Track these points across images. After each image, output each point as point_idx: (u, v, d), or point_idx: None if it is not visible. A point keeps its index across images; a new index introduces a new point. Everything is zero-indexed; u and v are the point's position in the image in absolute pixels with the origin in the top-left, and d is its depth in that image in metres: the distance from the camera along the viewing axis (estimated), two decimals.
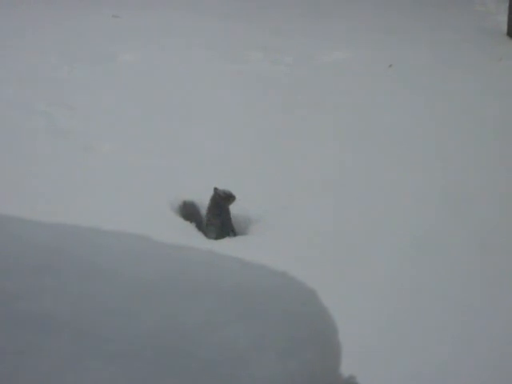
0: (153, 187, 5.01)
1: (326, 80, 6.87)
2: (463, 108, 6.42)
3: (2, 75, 6.59)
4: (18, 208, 2.94)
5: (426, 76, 7.06)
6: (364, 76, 7.00)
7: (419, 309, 4.05)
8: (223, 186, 4.77)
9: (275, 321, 1.58)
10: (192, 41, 7.63)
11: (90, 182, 5.04)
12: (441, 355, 3.69)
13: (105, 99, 6.27)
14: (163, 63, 7.08)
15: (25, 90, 6.33)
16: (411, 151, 5.71)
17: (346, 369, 1.75)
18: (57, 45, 7.36)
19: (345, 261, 4.40)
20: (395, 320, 3.94)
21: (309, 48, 7.61)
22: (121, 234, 1.79)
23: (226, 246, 4.32)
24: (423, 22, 8.56)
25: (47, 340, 1.49)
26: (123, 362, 1.47)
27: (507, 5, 8.49)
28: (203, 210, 4.84)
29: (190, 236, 4.55)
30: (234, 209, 4.79)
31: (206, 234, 4.73)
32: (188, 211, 4.86)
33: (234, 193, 4.73)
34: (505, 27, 8.40)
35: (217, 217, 4.72)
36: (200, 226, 4.78)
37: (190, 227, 4.73)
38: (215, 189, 4.74)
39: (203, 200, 4.84)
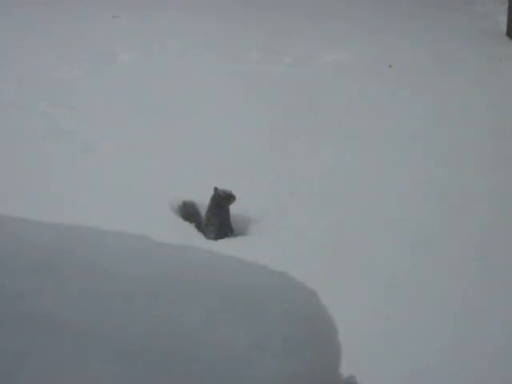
0: (153, 187, 5.00)
1: (326, 80, 6.87)
2: (463, 108, 6.42)
3: (2, 75, 6.59)
4: (19, 208, 2.94)
5: (426, 76, 7.06)
6: (364, 76, 6.99)
7: (419, 309, 4.04)
8: (223, 186, 4.77)
9: (275, 321, 1.58)
10: (192, 41, 7.62)
11: (90, 182, 5.03)
12: (441, 355, 3.69)
13: (105, 99, 6.27)
14: (163, 64, 7.07)
15: (25, 90, 6.33)
16: (411, 151, 5.71)
17: (345, 369, 1.75)
18: (57, 45, 7.36)
19: (345, 261, 4.40)
20: (395, 320, 3.94)
21: (309, 48, 7.61)
22: (121, 235, 1.79)
23: (225, 247, 4.32)
24: (423, 23, 8.55)
25: (47, 340, 1.49)
26: (123, 361, 1.47)
27: (507, 5, 8.48)
28: (203, 211, 4.84)
29: (189, 236, 4.55)
30: (233, 209, 4.78)
31: (206, 234, 4.72)
32: (188, 211, 4.86)
33: (234, 193, 4.73)
34: (504, 28, 8.40)
35: (216, 217, 4.72)
36: (200, 227, 4.78)
37: (189, 227, 4.72)
38: (215, 188, 4.73)
39: (203, 200, 4.84)
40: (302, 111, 6.26)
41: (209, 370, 1.47)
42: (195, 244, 1.66)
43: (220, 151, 5.54)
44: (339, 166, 5.46)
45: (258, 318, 1.57)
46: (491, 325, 3.94)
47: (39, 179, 5.04)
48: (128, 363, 1.47)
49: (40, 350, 1.47)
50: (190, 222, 4.78)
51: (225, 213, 4.73)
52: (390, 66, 7.22)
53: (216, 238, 4.66)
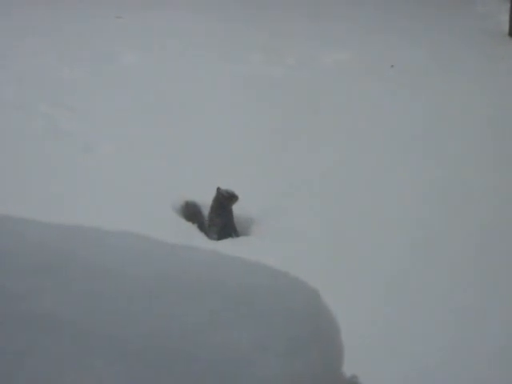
0: (153, 187, 5.00)
1: (326, 81, 6.87)
2: (463, 108, 6.42)
3: (3, 76, 6.59)
4: (19, 208, 2.94)
5: (426, 76, 7.06)
6: (364, 76, 6.99)
7: (419, 309, 4.05)
8: (223, 186, 4.77)
9: (278, 321, 1.58)
10: (193, 42, 7.62)
11: (91, 182, 5.03)
12: (441, 355, 3.69)
13: (105, 99, 6.27)
14: (164, 64, 7.07)
15: (25, 90, 6.33)
16: (411, 151, 5.71)
17: (348, 368, 1.75)
18: (57, 45, 7.36)
19: (346, 261, 4.40)
20: (395, 320, 3.94)
21: (309, 49, 7.61)
22: (123, 235, 1.79)
23: (228, 247, 4.32)
24: (423, 23, 8.55)
25: (47, 340, 1.49)
26: (125, 361, 1.47)
27: (509, 5, 8.47)
28: (205, 211, 4.84)
29: (192, 237, 4.55)
30: (235, 209, 4.79)
31: (208, 234, 4.72)
32: (190, 212, 4.85)
33: (236, 193, 4.73)
34: (506, 27, 8.39)
35: (219, 217, 4.71)
36: (202, 227, 4.78)
37: (192, 228, 4.72)
38: (218, 189, 4.73)
39: (205, 200, 4.84)
40: (302, 111, 6.27)
41: (211, 370, 1.47)
42: (197, 244, 1.67)
43: (220, 151, 5.54)
44: (339, 166, 5.46)
45: (261, 318, 1.57)
46: (491, 325, 3.94)
47: (39, 179, 5.04)
48: (129, 363, 1.46)
49: (40, 349, 1.47)
50: (193, 222, 4.77)
51: (228, 213, 4.73)
52: (392, 66, 7.22)
53: (218, 239, 4.65)
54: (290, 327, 1.58)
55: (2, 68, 6.77)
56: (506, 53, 7.73)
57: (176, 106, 6.21)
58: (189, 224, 4.75)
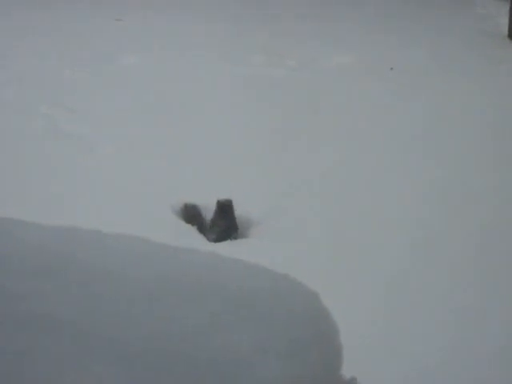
0: (154, 188, 5.00)
1: (327, 81, 6.87)
2: (463, 110, 6.42)
3: (3, 77, 6.59)
4: (19, 210, 2.95)
5: (426, 77, 7.06)
6: (364, 77, 6.99)
7: (419, 309, 4.05)
8: (225, 186, 4.78)
9: (278, 323, 1.59)
10: (193, 42, 7.62)
11: (91, 182, 5.03)
12: (441, 355, 3.70)
13: (106, 100, 6.27)
14: (164, 64, 7.07)
15: (26, 92, 6.33)
16: (411, 151, 5.71)
17: (348, 369, 1.75)
18: (57, 46, 7.36)
19: (346, 262, 4.40)
20: (395, 320, 3.94)
21: (310, 49, 7.61)
22: (123, 237, 1.79)
23: (228, 249, 4.31)
24: (424, 25, 8.55)
25: (48, 341, 1.49)
26: (125, 363, 1.47)
27: (508, 7, 8.47)
28: (205, 212, 4.83)
29: (192, 239, 4.54)
30: (235, 212, 4.79)
31: (208, 235, 4.71)
32: (189, 214, 4.85)
33: (236, 195, 4.73)
34: (505, 30, 8.39)
35: (223, 220, 4.71)
36: (202, 229, 4.77)
37: (191, 230, 4.72)
38: (218, 202, 4.72)
39: (204, 201, 4.84)
40: (302, 111, 6.27)
41: (211, 372, 1.47)
42: (197, 246, 1.66)
43: (220, 151, 5.54)
44: (339, 166, 5.46)
45: (261, 320, 1.57)
46: (491, 325, 3.94)
47: (39, 179, 5.04)
48: (129, 365, 1.47)
49: (40, 350, 1.47)
50: (192, 224, 4.77)
51: (231, 216, 4.73)
52: (392, 68, 7.23)
53: (217, 240, 4.65)
54: (291, 329, 1.59)
55: (2, 68, 6.77)
56: (506, 55, 7.73)
57: (176, 106, 6.21)
58: (188, 226, 4.75)
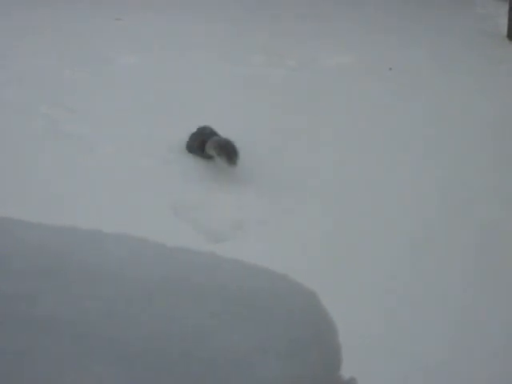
0: (154, 190, 5.01)
1: (328, 83, 6.87)
2: (463, 110, 6.42)
3: (3, 77, 6.59)
4: (19, 210, 2.94)
5: (426, 77, 7.07)
6: (364, 77, 7.00)
7: (419, 309, 4.05)
8: (224, 187, 4.77)
9: (278, 323, 1.59)
10: (193, 42, 7.63)
11: (91, 184, 5.04)
12: (442, 356, 3.70)
13: (106, 100, 6.27)
14: (164, 65, 7.08)
15: (25, 91, 6.33)
16: (411, 151, 5.71)
17: (347, 369, 1.76)
18: (57, 46, 7.36)
19: (346, 262, 4.41)
20: (395, 320, 3.95)
21: (311, 50, 7.61)
22: (122, 237, 1.80)
23: (228, 249, 4.31)
24: (423, 25, 8.56)
25: (48, 341, 1.49)
26: (125, 364, 1.47)
27: (507, 7, 8.48)
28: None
29: (192, 239, 4.54)
30: (236, 212, 4.79)
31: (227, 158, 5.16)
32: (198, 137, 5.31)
33: (236, 196, 4.74)
34: (505, 30, 8.39)
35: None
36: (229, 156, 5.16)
37: (191, 230, 4.71)
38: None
39: (204, 201, 4.84)
40: (303, 111, 6.27)
41: (211, 372, 1.48)
42: (197, 247, 1.66)
43: None
44: (339, 166, 5.47)
45: (261, 320, 1.57)
46: (491, 325, 3.95)
47: (39, 180, 5.04)
48: (129, 365, 1.47)
49: (40, 351, 1.47)
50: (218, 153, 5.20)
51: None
52: (391, 68, 7.23)
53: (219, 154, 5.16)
54: (290, 329, 1.59)
55: (2, 68, 6.77)
56: (505, 55, 7.73)
57: (176, 106, 6.21)
58: (188, 226, 4.73)
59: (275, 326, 1.58)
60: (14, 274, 1.65)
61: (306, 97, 6.55)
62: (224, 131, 5.81)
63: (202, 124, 5.62)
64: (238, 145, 5.48)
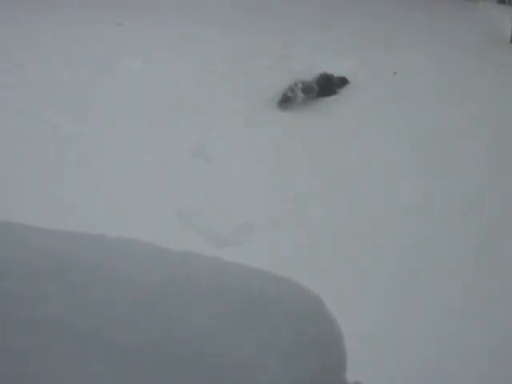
0: (158, 193, 5.01)
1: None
2: (466, 114, 6.41)
3: (4, 81, 6.60)
4: (22, 214, 2.96)
5: (429, 82, 7.05)
6: (366, 81, 6.99)
7: (420, 309, 4.06)
8: (225, 188, 4.79)
9: (280, 326, 1.59)
10: (194, 47, 7.63)
11: (93, 188, 5.05)
12: (441, 355, 3.71)
13: (106, 104, 6.28)
14: (165, 70, 7.08)
15: (26, 95, 6.34)
16: (411, 151, 5.72)
17: (349, 372, 1.77)
18: (58, 51, 7.36)
19: (346, 261, 4.42)
20: (395, 320, 3.96)
21: (313, 54, 7.60)
22: (126, 240, 1.80)
23: (230, 253, 4.33)
24: (426, 29, 8.53)
25: (50, 343, 1.50)
26: (127, 366, 1.48)
27: (511, 13, 8.44)
28: None
29: (195, 243, 4.55)
30: (236, 214, 4.80)
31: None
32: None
33: (236, 199, 4.75)
34: (509, 34, 8.35)
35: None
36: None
37: (194, 234, 4.71)
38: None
39: (205, 204, 4.85)
40: (303, 112, 6.27)
41: (214, 375, 1.48)
42: (200, 250, 1.67)
43: (222, 155, 5.55)
44: (339, 167, 5.48)
45: (264, 323, 1.58)
46: (491, 325, 3.96)
47: (41, 183, 5.06)
48: (131, 367, 1.47)
49: (42, 353, 1.48)
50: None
51: None
52: (395, 73, 7.23)
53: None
54: (293, 332, 1.59)
55: (4, 72, 6.78)
56: (509, 60, 7.70)
57: (176, 109, 6.22)
58: (191, 230, 4.73)
59: (277, 328, 1.58)
60: (17, 277, 1.65)
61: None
62: (224, 131, 5.83)
63: (203, 125, 5.63)
64: (239, 145, 5.50)
